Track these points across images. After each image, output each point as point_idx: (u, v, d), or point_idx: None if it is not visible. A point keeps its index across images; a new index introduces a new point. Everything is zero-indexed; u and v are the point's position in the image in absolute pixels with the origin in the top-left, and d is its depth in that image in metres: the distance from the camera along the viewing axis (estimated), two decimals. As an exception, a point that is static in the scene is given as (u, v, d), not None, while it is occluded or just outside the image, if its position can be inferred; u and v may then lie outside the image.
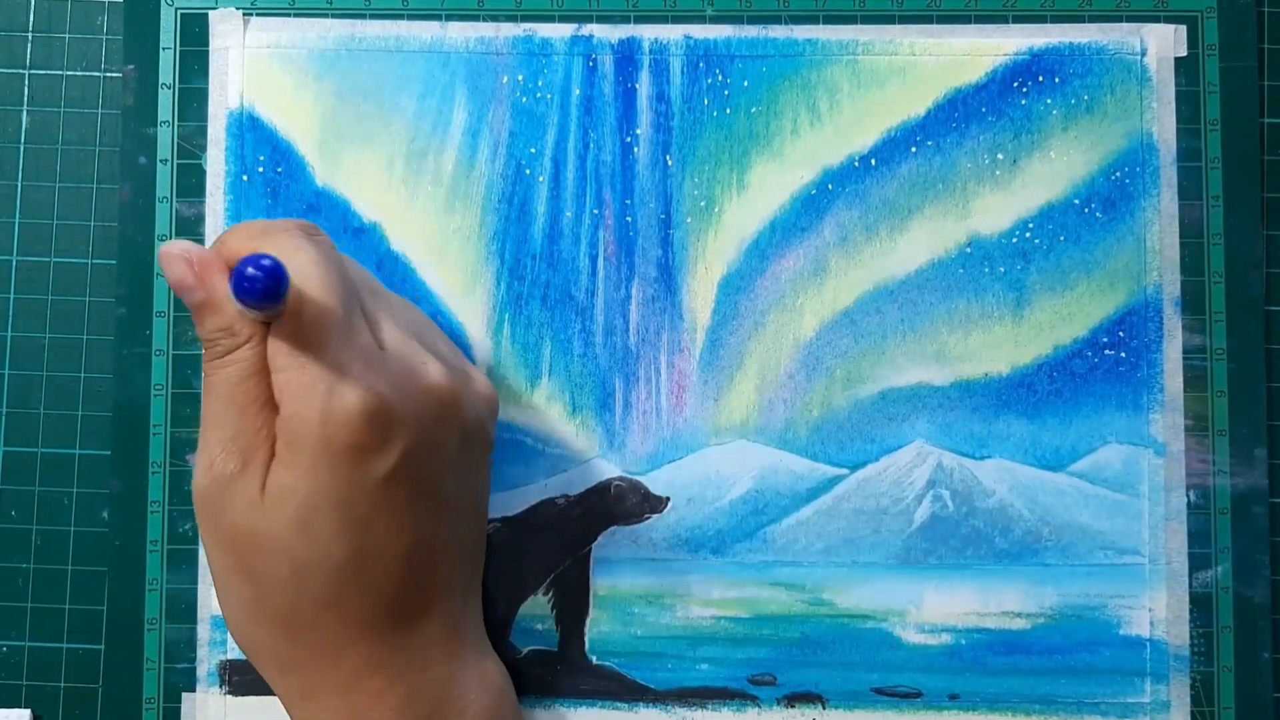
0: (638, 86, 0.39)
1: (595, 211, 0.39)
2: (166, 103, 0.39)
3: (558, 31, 0.39)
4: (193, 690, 0.38)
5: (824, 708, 0.38)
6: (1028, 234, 0.39)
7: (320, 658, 0.31)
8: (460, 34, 0.39)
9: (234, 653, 0.38)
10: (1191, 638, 0.38)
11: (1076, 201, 0.39)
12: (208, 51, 0.39)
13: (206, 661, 0.38)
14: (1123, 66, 0.39)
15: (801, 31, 0.39)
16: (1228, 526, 0.38)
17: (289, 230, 0.31)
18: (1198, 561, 0.38)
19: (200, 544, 0.38)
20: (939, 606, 0.38)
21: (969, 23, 0.39)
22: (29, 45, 0.40)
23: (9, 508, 0.39)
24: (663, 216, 0.39)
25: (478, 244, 0.39)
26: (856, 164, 0.39)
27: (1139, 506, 0.38)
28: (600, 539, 0.38)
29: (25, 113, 0.40)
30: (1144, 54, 0.39)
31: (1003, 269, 0.39)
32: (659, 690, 0.38)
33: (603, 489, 0.38)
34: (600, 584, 0.38)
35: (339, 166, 0.39)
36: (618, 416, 0.38)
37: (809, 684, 0.38)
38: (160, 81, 0.39)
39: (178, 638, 0.38)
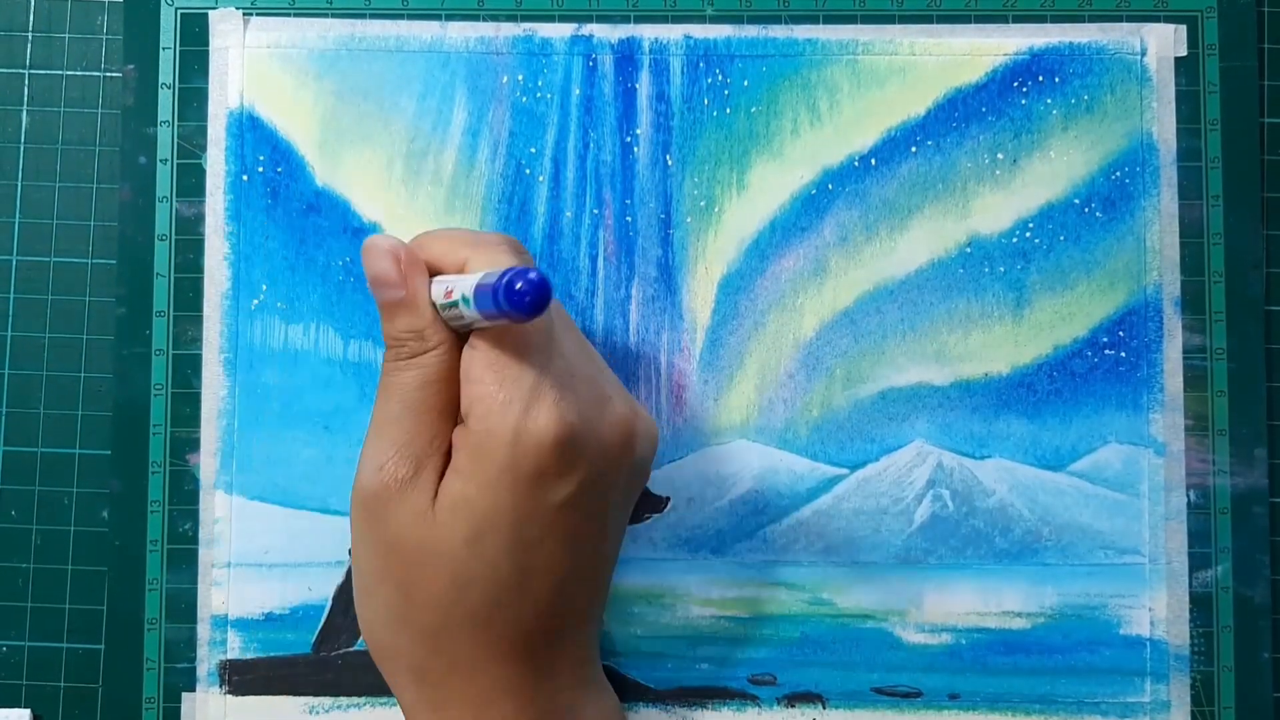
0: (638, 86, 0.39)
1: (595, 211, 0.39)
2: (166, 103, 0.39)
3: (558, 31, 0.39)
4: (193, 690, 0.38)
5: (824, 708, 0.38)
6: (1028, 234, 0.39)
7: (455, 673, 0.31)
8: (460, 34, 0.39)
9: (234, 653, 0.38)
10: (1191, 638, 0.38)
11: (1076, 201, 0.39)
12: (208, 51, 0.39)
13: (206, 661, 0.38)
14: (1123, 66, 0.39)
15: (801, 31, 0.39)
16: (1228, 526, 0.38)
17: (499, 244, 0.31)
18: (1198, 561, 0.38)
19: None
20: (939, 606, 0.38)
21: (969, 23, 0.39)
22: (29, 45, 0.40)
23: (9, 508, 0.39)
24: (663, 216, 0.39)
25: (478, 244, 0.39)
26: (856, 164, 0.39)
27: (1139, 506, 0.38)
28: (600, 539, 0.38)
29: (25, 113, 0.40)
30: (1144, 54, 0.39)
31: (1003, 269, 0.39)
32: (659, 690, 0.38)
33: (603, 489, 0.38)
34: (600, 584, 0.38)
35: (339, 166, 0.39)
36: (618, 416, 0.38)
37: (809, 684, 0.38)
38: (160, 81, 0.39)
39: (178, 638, 0.38)
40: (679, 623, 0.38)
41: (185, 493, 0.38)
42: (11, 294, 0.39)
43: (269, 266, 0.38)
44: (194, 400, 0.38)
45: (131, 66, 0.39)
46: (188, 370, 0.38)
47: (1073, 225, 0.39)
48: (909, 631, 0.38)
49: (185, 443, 0.38)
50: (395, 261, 0.31)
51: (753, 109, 0.39)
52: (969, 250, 0.39)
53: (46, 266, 0.39)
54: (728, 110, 0.39)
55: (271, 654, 0.38)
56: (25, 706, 0.38)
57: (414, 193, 0.39)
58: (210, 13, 0.39)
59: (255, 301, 0.38)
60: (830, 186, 0.39)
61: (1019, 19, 0.39)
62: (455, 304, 0.30)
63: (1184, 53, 0.39)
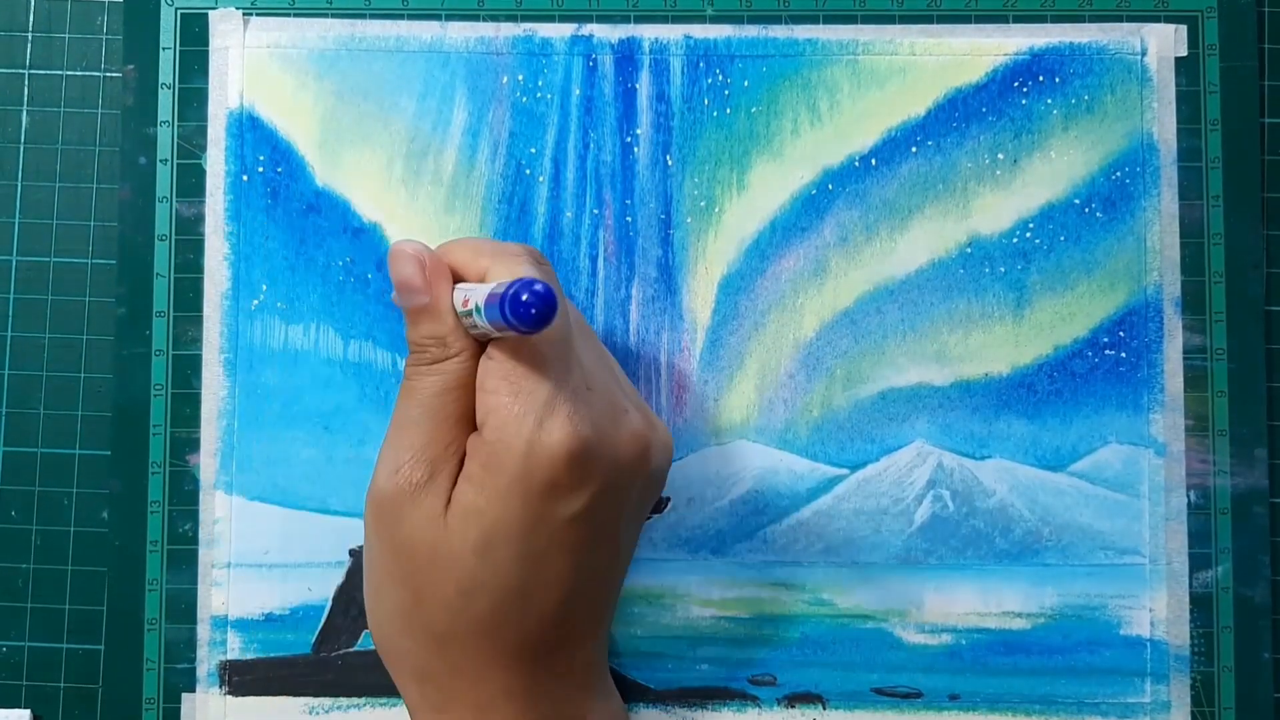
0: (638, 86, 0.39)
1: (595, 211, 0.39)
2: (166, 103, 0.39)
3: (558, 31, 0.39)
4: (192, 690, 0.38)
5: (824, 708, 0.38)
6: (1028, 234, 0.39)
7: (458, 677, 0.31)
8: (460, 34, 0.39)
9: (234, 653, 0.38)
10: (1191, 638, 0.38)
11: (1077, 201, 0.39)
12: (208, 51, 0.39)
13: (206, 662, 0.38)
14: (1123, 66, 0.39)
15: (802, 31, 0.39)
16: (1228, 526, 0.38)
17: (520, 255, 0.31)
18: (1198, 561, 0.38)
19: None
20: (939, 606, 0.38)
21: (969, 23, 0.39)
22: (29, 45, 0.40)
23: (9, 508, 0.39)
24: (663, 216, 0.39)
25: (478, 244, 0.39)
26: (856, 164, 0.39)
27: (1139, 506, 0.38)
28: (600, 539, 0.38)
29: (25, 113, 0.40)
30: (1144, 54, 0.39)
31: (1003, 269, 0.39)
32: (659, 690, 0.38)
33: (603, 489, 0.38)
34: (600, 584, 0.38)
35: (339, 166, 0.39)
36: (618, 416, 0.38)
37: (809, 684, 0.38)
38: (160, 81, 0.39)
39: (177, 638, 0.38)
40: (679, 623, 0.38)
41: (185, 493, 0.38)
42: (11, 294, 0.39)
43: (269, 266, 0.38)
44: (194, 400, 0.38)
45: (131, 66, 0.39)
46: (188, 370, 0.38)
47: (1073, 225, 0.39)
48: (909, 632, 0.38)
49: (185, 443, 0.38)
50: (420, 267, 0.31)
51: (753, 109, 0.39)
52: (969, 250, 0.39)
53: (46, 267, 0.39)
54: (728, 110, 0.39)
55: (271, 654, 0.38)
56: (25, 707, 0.38)
57: (414, 193, 0.39)
58: (210, 13, 0.39)
59: (255, 302, 0.38)
60: (830, 187, 0.39)
61: (1019, 19, 0.39)
62: (470, 313, 0.30)
63: (1184, 53, 0.39)
